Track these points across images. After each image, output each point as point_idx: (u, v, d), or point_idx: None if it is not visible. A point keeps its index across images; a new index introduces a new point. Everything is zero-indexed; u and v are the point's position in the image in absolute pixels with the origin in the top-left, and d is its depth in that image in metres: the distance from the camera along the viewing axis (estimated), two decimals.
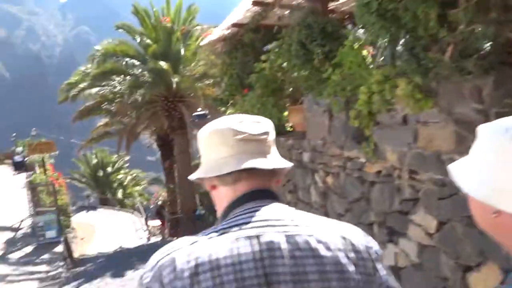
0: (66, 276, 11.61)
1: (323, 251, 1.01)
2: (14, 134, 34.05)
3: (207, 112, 13.70)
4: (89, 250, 19.15)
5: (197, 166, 1.33)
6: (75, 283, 10.52)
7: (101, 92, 16.51)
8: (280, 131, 5.26)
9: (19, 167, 27.27)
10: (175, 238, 13.47)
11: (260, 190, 1.13)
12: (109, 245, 19.86)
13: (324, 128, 4.01)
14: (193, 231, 16.73)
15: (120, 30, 17.02)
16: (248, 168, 1.10)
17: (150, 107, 17.69)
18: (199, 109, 13.74)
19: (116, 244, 19.86)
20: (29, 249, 13.68)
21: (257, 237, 1.01)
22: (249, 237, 1.01)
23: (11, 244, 14.03)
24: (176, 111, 16.97)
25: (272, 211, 1.08)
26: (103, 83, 15.90)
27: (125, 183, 38.42)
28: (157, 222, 23.57)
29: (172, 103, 16.89)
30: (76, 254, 16.00)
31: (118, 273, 10.77)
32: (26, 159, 26.25)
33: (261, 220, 1.05)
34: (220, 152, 1.15)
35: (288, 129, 5.17)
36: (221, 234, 1.04)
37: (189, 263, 0.98)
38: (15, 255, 13.14)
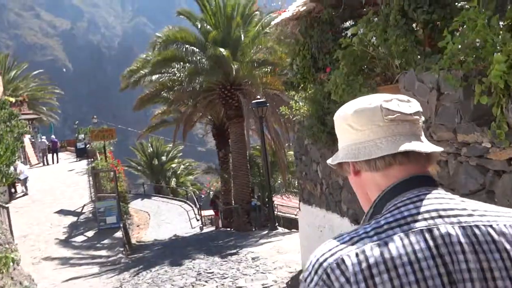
0: (125, 262, 11.70)
1: (507, 244, 0.91)
2: (76, 122, 35.51)
3: (265, 100, 13.33)
4: (145, 237, 19.48)
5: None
6: (134, 270, 10.50)
7: (161, 80, 16.55)
8: None
9: (81, 153, 28.31)
10: (228, 228, 13.31)
11: (420, 176, 1.02)
12: (163, 233, 20.12)
13: (430, 109, 3.44)
14: (247, 222, 16.45)
15: (177, 19, 16.97)
16: (403, 152, 1.00)
17: (207, 95, 17.56)
18: (258, 96, 13.38)
19: (171, 232, 20.08)
20: (90, 233, 13.98)
21: (430, 230, 0.91)
22: (421, 231, 0.91)
23: (74, 228, 14.40)
24: (233, 100, 16.73)
25: (438, 199, 0.97)
26: (163, 70, 15.88)
27: (178, 172, 39.02)
28: (210, 212, 23.63)
29: (229, 91, 16.65)
30: (133, 240, 16.26)
31: (176, 262, 10.66)
32: (88, 146, 27.17)
33: (429, 211, 0.94)
34: (368, 133, 1.03)
35: None
36: (387, 229, 0.92)
37: (360, 264, 0.87)
38: (78, 239, 13.46)
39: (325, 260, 0.91)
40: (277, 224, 13.70)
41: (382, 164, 1.02)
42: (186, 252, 12.36)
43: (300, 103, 6.97)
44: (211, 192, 32.04)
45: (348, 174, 1.13)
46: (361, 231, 0.94)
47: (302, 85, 6.28)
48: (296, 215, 25.95)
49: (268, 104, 13.37)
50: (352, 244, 0.91)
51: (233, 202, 19.89)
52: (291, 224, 22.14)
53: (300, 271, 7.57)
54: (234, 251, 11.12)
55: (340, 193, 5.34)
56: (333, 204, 5.68)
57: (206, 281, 8.11)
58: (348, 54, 4.39)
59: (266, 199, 14.93)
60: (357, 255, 0.89)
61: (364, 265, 0.87)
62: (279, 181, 20.50)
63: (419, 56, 3.66)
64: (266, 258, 9.35)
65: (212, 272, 8.77)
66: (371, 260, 0.88)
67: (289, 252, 9.76)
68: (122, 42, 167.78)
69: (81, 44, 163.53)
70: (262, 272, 8.04)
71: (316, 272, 0.91)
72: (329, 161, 1.16)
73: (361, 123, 1.04)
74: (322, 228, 6.25)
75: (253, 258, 9.61)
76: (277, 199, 20.93)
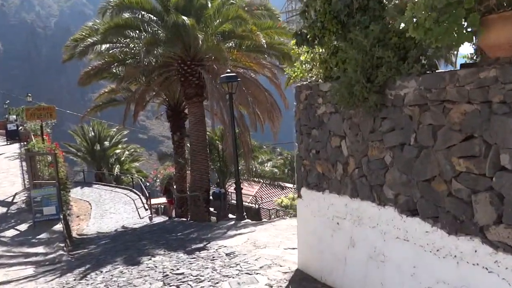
0: (67, 261, 9.81)
1: None
2: (7, 102, 31.90)
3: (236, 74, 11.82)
4: (87, 229, 17.38)
5: None
6: (79, 270, 8.67)
7: (111, 51, 14.46)
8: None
9: (12, 136, 25.23)
10: (183, 218, 11.54)
11: None
12: (108, 224, 18.12)
13: None
14: (205, 211, 14.88)
15: None
16: None
17: (163, 71, 15.74)
18: (228, 70, 11.82)
19: (117, 224, 18.12)
20: (24, 227, 11.84)
21: None
22: None
23: (3, 221, 12.15)
24: (193, 76, 15.03)
25: None
26: (115, 40, 13.83)
27: (122, 159, 36.44)
28: (158, 201, 21.89)
29: (189, 67, 14.92)
30: (73, 233, 14.21)
31: (131, 260, 8.97)
32: (20, 127, 24.19)
33: None
34: None
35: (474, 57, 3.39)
36: None
37: None
38: (8, 234, 11.27)
39: None
40: (245, 213, 12.29)
41: None
42: (141, 247, 10.67)
43: (307, 65, 5.59)
44: (157, 180, 30.20)
45: None
46: None
47: (318, 39, 4.86)
48: (251, 203, 24.75)
49: (239, 79, 11.86)
50: None
51: (188, 189, 18.37)
52: (247, 213, 20.96)
53: (298, 271, 6.23)
54: (201, 245, 9.61)
55: (384, 174, 4.02)
56: (365, 189, 4.36)
57: (177, 286, 6.55)
58: None
59: (234, 186, 13.44)
60: None
61: None
62: (239, 167, 19.05)
63: None
64: (244, 254, 7.93)
65: (182, 273, 7.22)
66: None
67: (269, 247, 8.42)
68: (59, 22, 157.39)
69: (13, 22, 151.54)
70: (247, 273, 6.59)
71: None
72: None
73: None
74: (341, 220, 4.92)
75: (228, 254, 8.15)
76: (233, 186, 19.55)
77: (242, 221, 11.73)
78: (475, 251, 3.06)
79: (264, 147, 22.86)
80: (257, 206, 22.42)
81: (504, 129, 2.70)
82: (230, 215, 15.20)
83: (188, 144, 20.19)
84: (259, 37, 12.71)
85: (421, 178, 3.53)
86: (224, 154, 18.08)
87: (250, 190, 25.81)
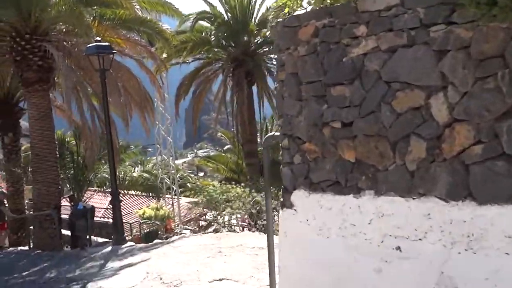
0: None
1: None
2: None
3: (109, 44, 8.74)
4: None
5: None
6: None
7: None
8: None
9: None
10: (24, 248, 7.42)
11: None
12: None
13: None
14: (54, 236, 11.08)
15: None
16: None
17: None
18: (98, 38, 8.64)
19: None
20: None
21: None
22: None
23: None
24: (34, 55, 11.11)
25: None
26: None
27: None
28: None
29: (28, 42, 11.01)
30: None
31: None
32: None
33: None
34: None
35: None
36: None
37: None
38: None
39: None
40: (125, 235, 9.24)
41: None
42: None
43: None
44: None
45: None
46: None
47: None
48: (103, 217, 20.67)
49: (115, 51, 8.77)
50: None
51: (26, 208, 14.16)
52: (102, 231, 17.33)
53: None
54: None
55: None
56: (500, 180, 2.30)
57: None
58: None
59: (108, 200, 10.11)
60: None
61: None
62: (100, 174, 15.35)
63: None
64: None
65: None
66: None
67: (187, 281, 5.87)
68: None
69: None
70: None
71: None
72: None
73: None
74: (409, 243, 2.76)
75: None
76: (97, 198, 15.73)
77: (125, 245, 8.63)
78: None
79: (132, 147, 19.10)
80: None
81: None
82: (95, 238, 11.80)
83: (23, 148, 15.78)
84: (132, 5, 9.78)
85: None
86: (80, 158, 14.25)
87: (101, 202, 21.77)
